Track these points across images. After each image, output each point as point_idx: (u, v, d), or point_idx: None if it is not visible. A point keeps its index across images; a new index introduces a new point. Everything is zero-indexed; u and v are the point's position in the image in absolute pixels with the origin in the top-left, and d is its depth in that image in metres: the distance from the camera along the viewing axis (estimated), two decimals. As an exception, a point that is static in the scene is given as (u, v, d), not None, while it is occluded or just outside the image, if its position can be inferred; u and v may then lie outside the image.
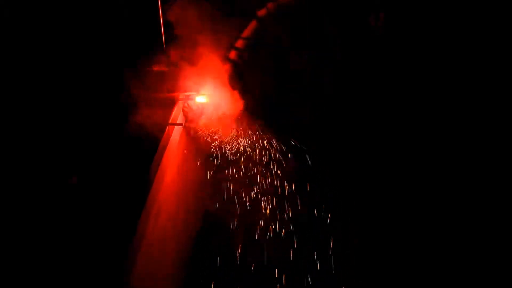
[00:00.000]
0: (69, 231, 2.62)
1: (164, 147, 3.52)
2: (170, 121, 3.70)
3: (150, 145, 3.40)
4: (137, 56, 3.93)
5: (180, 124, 3.76)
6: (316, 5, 4.48)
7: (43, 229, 2.62)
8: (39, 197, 2.81)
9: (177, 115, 3.85)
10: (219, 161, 4.07)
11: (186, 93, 3.98)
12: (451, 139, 4.17)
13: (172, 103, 3.91)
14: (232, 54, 4.52)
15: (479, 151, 4.05)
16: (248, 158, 4.11)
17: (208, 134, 3.96)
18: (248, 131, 4.13)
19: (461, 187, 4.01)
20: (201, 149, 4.09)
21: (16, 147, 3.08)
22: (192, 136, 4.06)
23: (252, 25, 4.55)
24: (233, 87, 4.12)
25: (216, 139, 3.98)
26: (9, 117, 3.24)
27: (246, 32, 4.56)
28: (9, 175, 2.92)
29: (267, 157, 4.15)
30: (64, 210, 2.77)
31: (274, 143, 4.15)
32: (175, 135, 3.74)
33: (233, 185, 4.11)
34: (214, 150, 4.04)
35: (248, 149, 4.10)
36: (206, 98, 4.00)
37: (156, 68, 4.07)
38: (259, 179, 4.15)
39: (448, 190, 4.07)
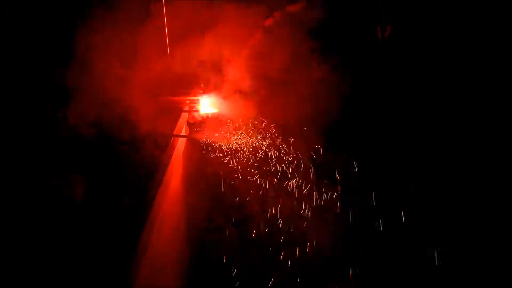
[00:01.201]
0: (73, 241, 2.66)
1: (169, 158, 3.55)
2: (174, 132, 3.73)
3: (154, 157, 3.44)
4: (141, 62, 3.96)
5: (184, 136, 3.79)
6: (323, 14, 4.46)
7: (44, 241, 2.65)
8: (41, 209, 2.84)
9: (181, 126, 3.88)
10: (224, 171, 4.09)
11: (191, 104, 4.02)
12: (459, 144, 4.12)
13: (177, 113, 3.94)
14: (239, 63, 4.53)
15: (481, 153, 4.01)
16: (256, 166, 4.13)
17: (214, 145, 3.99)
18: (255, 139, 4.15)
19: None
20: (205, 160, 4.11)
21: (19, 154, 3.12)
22: (196, 148, 4.09)
23: (258, 34, 4.56)
24: (240, 96, 4.15)
25: (222, 151, 4.00)
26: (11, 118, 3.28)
27: (252, 41, 4.57)
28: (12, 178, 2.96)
29: (278, 166, 4.16)
30: (69, 220, 2.80)
31: (284, 149, 4.16)
32: (180, 146, 3.77)
33: (239, 196, 4.12)
34: (219, 159, 4.06)
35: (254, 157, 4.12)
36: (213, 108, 4.03)
37: (160, 77, 4.10)
38: (268, 189, 4.16)
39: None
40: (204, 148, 4.03)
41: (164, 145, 3.56)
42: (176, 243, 3.54)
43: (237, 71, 4.20)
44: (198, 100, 4.00)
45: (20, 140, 3.21)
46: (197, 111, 3.98)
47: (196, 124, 4.12)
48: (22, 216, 2.76)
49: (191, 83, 4.09)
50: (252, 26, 4.47)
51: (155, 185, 3.23)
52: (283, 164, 4.18)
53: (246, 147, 4.10)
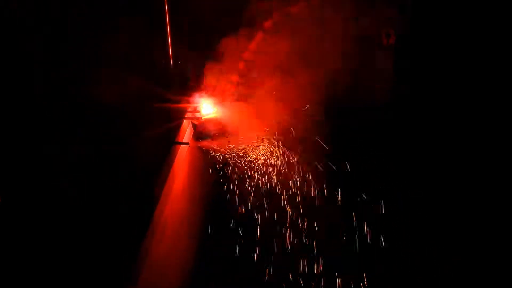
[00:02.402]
0: (75, 245, 2.79)
1: (170, 165, 3.69)
2: (176, 140, 3.85)
3: (156, 163, 3.57)
4: (143, 69, 4.06)
5: (186, 143, 3.89)
6: (322, 15, 4.43)
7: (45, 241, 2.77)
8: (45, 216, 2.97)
9: (183, 133, 3.99)
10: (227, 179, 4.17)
11: (193, 111, 4.12)
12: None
13: (179, 120, 4.05)
14: (241, 65, 4.58)
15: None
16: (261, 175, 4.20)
17: (216, 153, 4.08)
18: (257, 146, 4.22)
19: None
20: (208, 168, 4.21)
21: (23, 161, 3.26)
22: (199, 155, 4.19)
23: (259, 36, 4.58)
24: (243, 101, 4.21)
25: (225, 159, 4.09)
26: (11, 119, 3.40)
27: (253, 44, 4.60)
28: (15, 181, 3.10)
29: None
30: (71, 226, 2.93)
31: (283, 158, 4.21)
32: (181, 153, 3.89)
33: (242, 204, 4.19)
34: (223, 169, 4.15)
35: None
36: (215, 114, 4.11)
37: (163, 84, 4.20)
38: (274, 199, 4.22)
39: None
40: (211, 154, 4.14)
41: (166, 149, 3.68)
42: (178, 244, 3.67)
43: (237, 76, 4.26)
44: (199, 107, 4.10)
45: (21, 141, 3.35)
46: (199, 118, 4.09)
47: (199, 132, 4.20)
48: (23, 217, 2.90)
49: (193, 91, 4.19)
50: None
51: (157, 188, 3.37)
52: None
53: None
